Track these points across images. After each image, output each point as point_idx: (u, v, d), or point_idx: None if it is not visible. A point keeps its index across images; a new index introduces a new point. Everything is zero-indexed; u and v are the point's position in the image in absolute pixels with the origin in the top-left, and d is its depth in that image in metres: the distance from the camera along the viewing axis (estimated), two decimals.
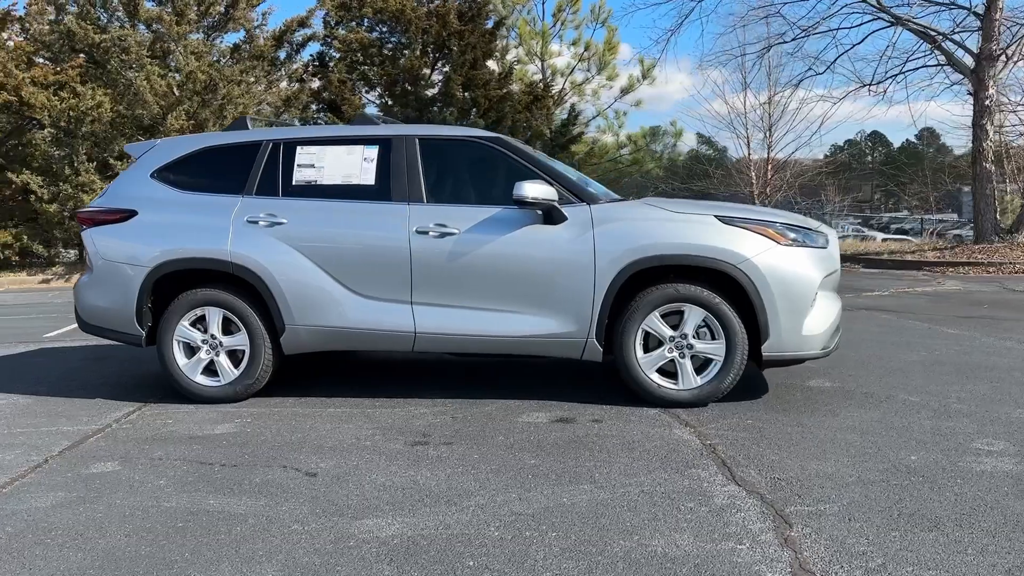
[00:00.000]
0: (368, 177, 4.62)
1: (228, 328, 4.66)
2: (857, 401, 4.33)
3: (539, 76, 22.93)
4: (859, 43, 31.47)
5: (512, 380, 5.04)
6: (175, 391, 4.71)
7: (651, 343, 4.30)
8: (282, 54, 17.36)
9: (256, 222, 4.61)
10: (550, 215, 4.33)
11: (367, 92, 17.61)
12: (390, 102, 17.43)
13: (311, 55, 18.53)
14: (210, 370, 4.69)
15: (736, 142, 33.95)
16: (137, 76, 13.94)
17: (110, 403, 4.76)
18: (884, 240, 26.65)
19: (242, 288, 4.62)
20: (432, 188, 4.58)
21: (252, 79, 15.60)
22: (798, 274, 4.17)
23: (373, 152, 4.65)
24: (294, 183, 4.69)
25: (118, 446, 3.86)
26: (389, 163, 4.60)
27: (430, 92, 17.40)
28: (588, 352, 4.35)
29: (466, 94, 17.02)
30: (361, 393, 4.80)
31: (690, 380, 4.26)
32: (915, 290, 10.47)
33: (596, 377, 5.01)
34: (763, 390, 4.61)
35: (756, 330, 4.16)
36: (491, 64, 17.91)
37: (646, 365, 4.28)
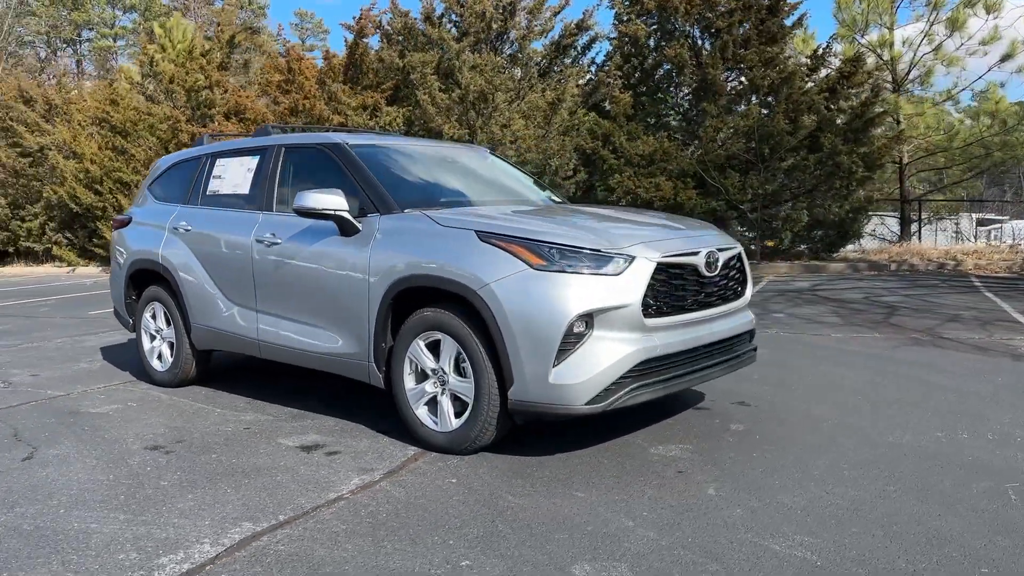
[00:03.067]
0: (246, 186, 4.84)
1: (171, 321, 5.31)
2: (690, 477, 3.21)
3: (877, 51, 19.61)
4: None
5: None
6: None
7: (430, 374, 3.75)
8: (567, 59, 17.88)
9: (177, 229, 5.17)
10: (343, 227, 4.04)
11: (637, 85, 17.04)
12: (659, 95, 16.77)
13: (606, 54, 18.68)
14: (162, 357, 5.41)
15: None
16: (422, 92, 15.78)
17: (114, 374, 5.75)
18: None
19: (169, 287, 5.22)
20: (281, 197, 4.61)
21: (527, 86, 16.41)
22: (543, 306, 3.24)
23: (254, 163, 4.84)
24: (207, 193, 5.14)
25: (25, 411, 4.71)
26: (259, 172, 4.76)
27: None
28: (372, 376, 3.97)
29: (741, 79, 15.51)
30: (260, 395, 4.94)
31: (447, 422, 3.62)
32: None
33: None
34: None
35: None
36: (779, 44, 15.93)
37: (412, 398, 3.76)
